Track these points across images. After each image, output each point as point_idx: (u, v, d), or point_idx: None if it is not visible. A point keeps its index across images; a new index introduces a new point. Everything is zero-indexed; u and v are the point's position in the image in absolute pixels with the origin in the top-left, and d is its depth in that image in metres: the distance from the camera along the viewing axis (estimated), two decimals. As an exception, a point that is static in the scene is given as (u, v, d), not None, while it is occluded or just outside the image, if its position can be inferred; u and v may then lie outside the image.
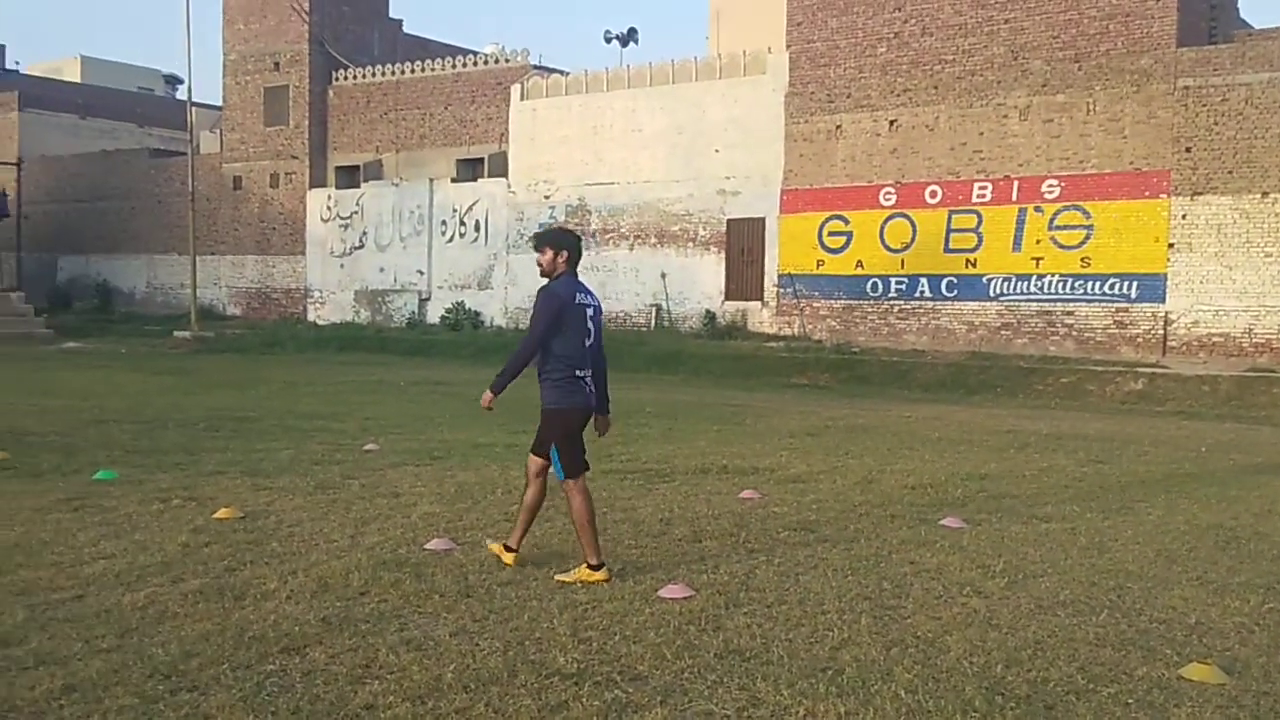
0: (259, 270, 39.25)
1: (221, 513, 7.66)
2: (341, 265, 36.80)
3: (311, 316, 37.11)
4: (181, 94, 54.78)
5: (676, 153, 29.78)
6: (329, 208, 37.07)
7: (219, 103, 41.18)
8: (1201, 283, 22.94)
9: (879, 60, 26.69)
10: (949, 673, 4.74)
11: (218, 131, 40.86)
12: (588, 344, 6.34)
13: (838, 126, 27.27)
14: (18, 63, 57.21)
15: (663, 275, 29.94)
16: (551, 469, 6.38)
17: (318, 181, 37.70)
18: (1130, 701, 4.47)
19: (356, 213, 36.34)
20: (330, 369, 23.69)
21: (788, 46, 28.03)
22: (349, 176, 37.26)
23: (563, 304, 6.29)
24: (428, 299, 34.83)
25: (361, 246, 36.31)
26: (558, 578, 6.12)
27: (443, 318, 33.58)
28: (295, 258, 38.07)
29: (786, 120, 27.97)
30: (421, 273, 34.96)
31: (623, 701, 4.31)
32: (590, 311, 6.39)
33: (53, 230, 45.40)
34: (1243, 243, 22.51)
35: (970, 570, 6.64)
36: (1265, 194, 22.22)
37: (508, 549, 6.47)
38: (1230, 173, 22.59)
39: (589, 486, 6.40)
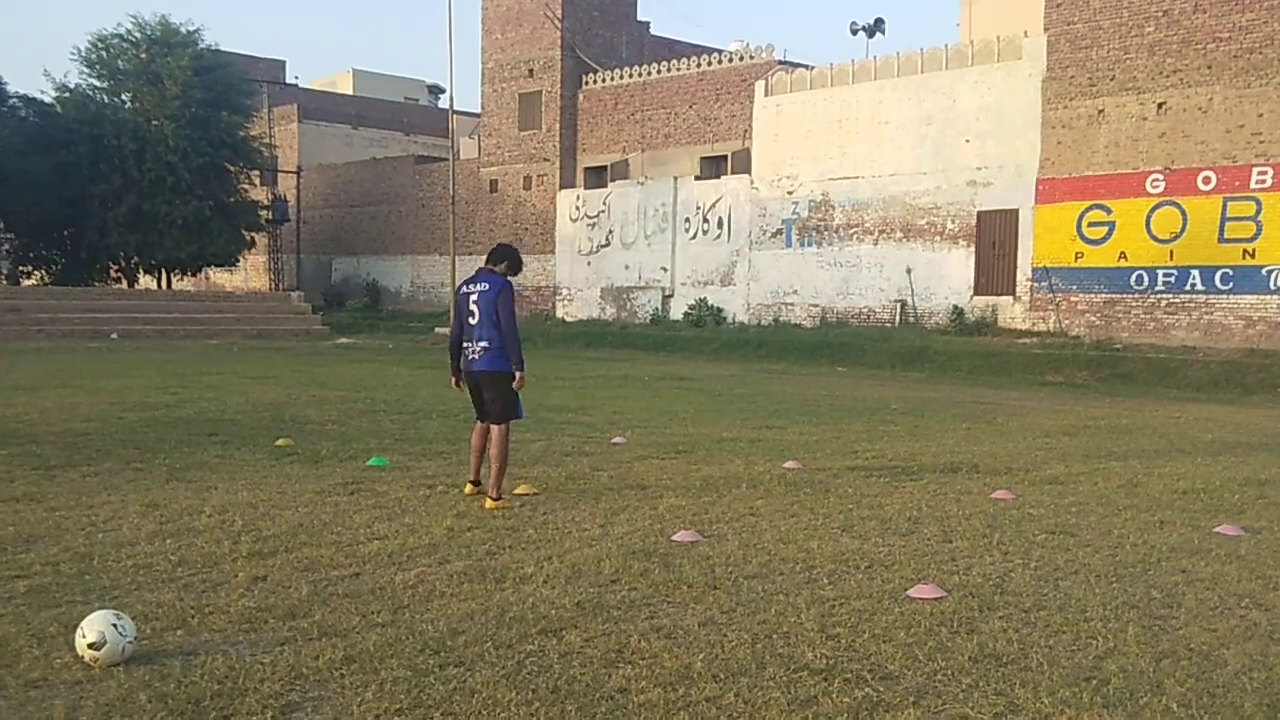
0: (513, 269, 40.85)
1: (521, 489, 8.54)
2: (588, 263, 37.85)
3: (560, 313, 38.36)
4: (444, 103, 58.03)
5: (924, 144, 29.04)
6: (577, 207, 38.20)
7: (478, 110, 43.17)
8: None
9: (1146, 40, 25.16)
10: (1225, 688, 4.44)
11: (476, 137, 42.88)
12: (472, 323, 8.06)
13: (1100, 111, 25.89)
14: (297, 77, 61.85)
15: (908, 270, 29.29)
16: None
17: (567, 182, 38.92)
18: None
19: (603, 212, 37.29)
20: (578, 364, 24.42)
21: (1045, 29, 26.84)
22: (596, 177, 38.29)
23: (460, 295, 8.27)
24: (671, 295, 35.37)
25: (608, 245, 37.23)
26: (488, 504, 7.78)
27: (685, 314, 34.02)
28: (545, 256, 39.44)
29: (1044, 106, 26.79)
30: (665, 270, 35.53)
31: (874, 700, 4.26)
32: (474, 297, 8.05)
33: (327, 233, 48.88)
34: None
35: (1249, 581, 6.18)
36: None
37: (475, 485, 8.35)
38: None
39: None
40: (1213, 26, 24.22)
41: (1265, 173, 23.47)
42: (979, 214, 28.10)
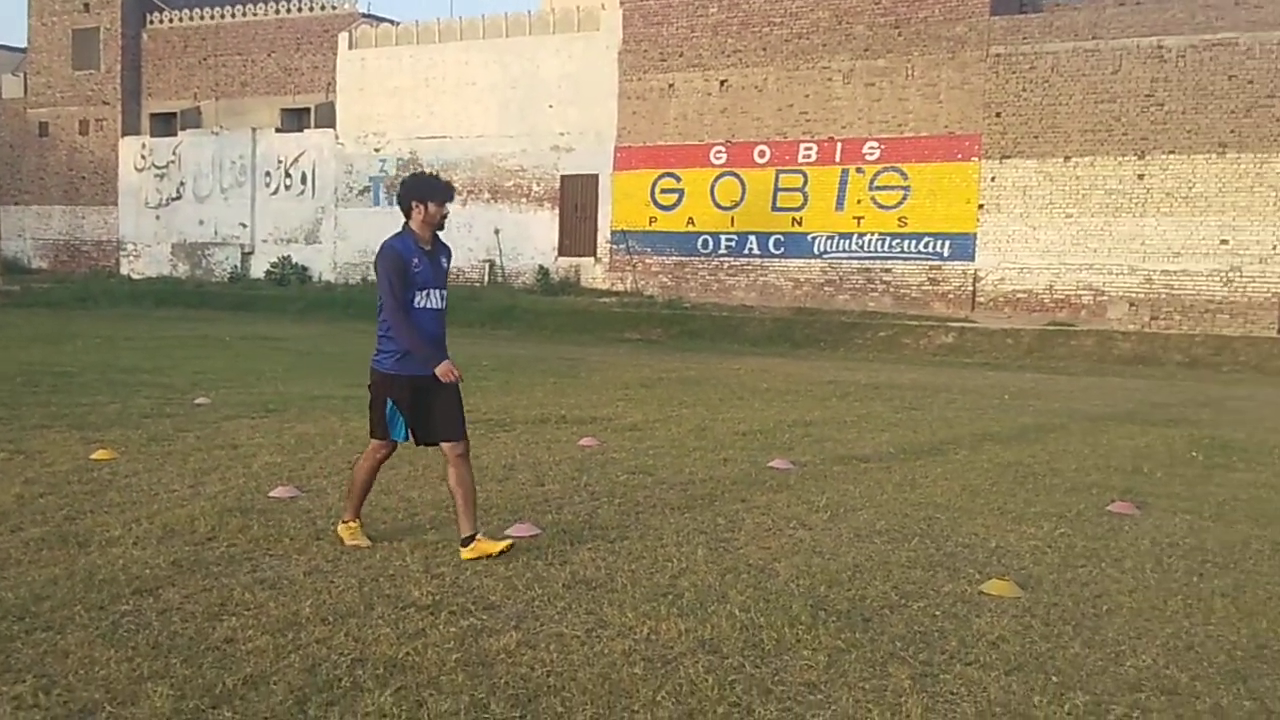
0: (67, 221, 37.38)
1: (99, 454, 7.90)
2: (157, 217, 35.35)
3: (125, 270, 35.58)
4: (-24, 32, 51.33)
5: (510, 107, 29.67)
6: (143, 156, 35.50)
7: (23, 44, 38.79)
8: (1008, 242, 24.35)
9: (710, 20, 27.15)
10: (778, 594, 5.14)
11: (21, 74, 38.50)
12: None
13: (671, 85, 27.66)
14: None
15: (496, 231, 29.89)
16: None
17: (131, 129, 36.05)
18: (937, 613, 4.96)
19: (173, 162, 34.92)
20: (149, 324, 22.88)
21: (621, 3, 28.21)
22: (165, 124, 35.76)
23: None
24: (251, 253, 33.84)
25: (179, 197, 34.95)
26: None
27: (268, 272, 32.71)
28: (107, 208, 36.38)
29: (620, 77, 28.21)
30: (244, 225, 33.92)
31: (478, 627, 4.55)
32: None
33: None
34: (1046, 204, 23.97)
35: (797, 506, 7.10)
36: (1067, 158, 23.70)
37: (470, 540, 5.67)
38: (1036, 137, 23.99)
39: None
40: (768, 11, 26.57)
41: (811, 148, 26.17)
42: (562, 178, 29.18)
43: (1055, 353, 21.07)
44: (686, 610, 4.84)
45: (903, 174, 25.23)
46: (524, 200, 29.71)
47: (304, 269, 32.47)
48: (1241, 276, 22.39)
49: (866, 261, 25.71)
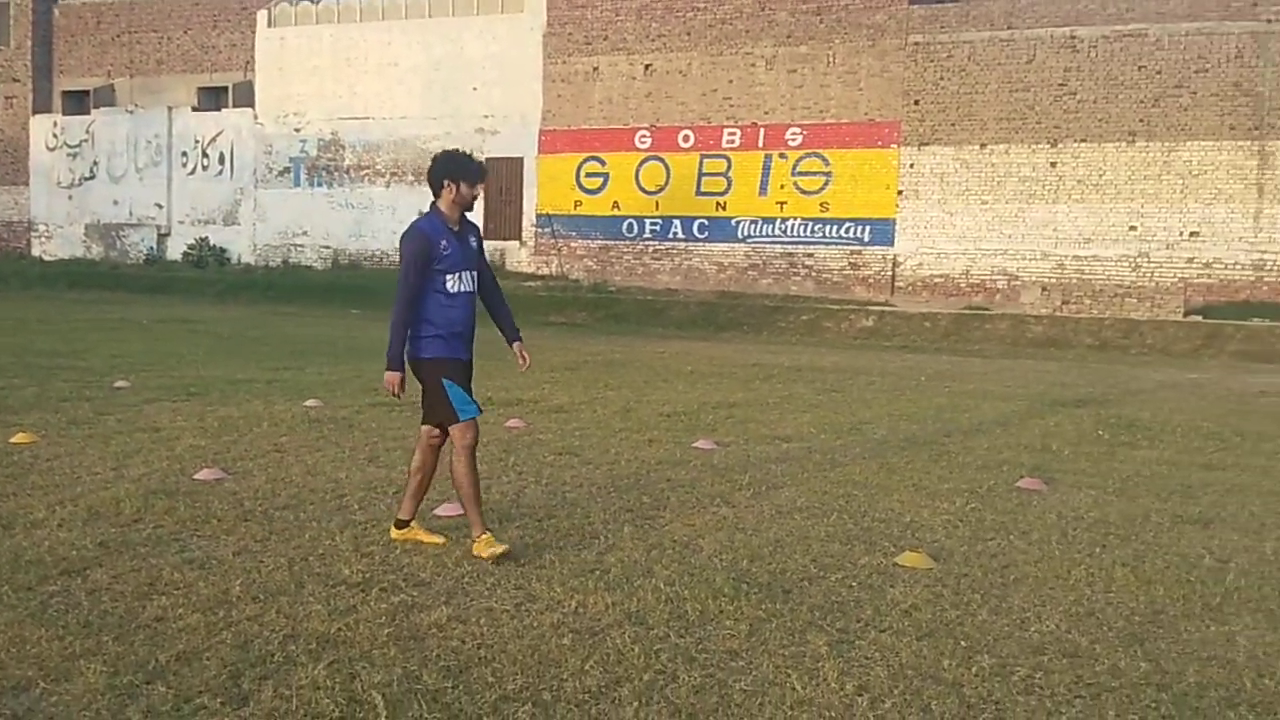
0: (-25, 201, 36.30)
1: (18, 437, 7.79)
2: (70, 197, 34.50)
3: (37, 252, 34.69)
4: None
5: (434, 89, 29.47)
6: (55, 135, 34.61)
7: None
8: (926, 228, 24.85)
9: (635, 3, 27.22)
10: (702, 568, 5.30)
11: (-78, 47, 37.25)
12: None
13: (595, 68, 27.69)
14: None
15: (420, 213, 29.62)
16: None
17: (42, 107, 35.09)
18: (854, 584, 5.15)
19: (86, 141, 34.11)
20: (63, 306, 22.40)
21: (545, -14, 28.15)
22: (78, 102, 34.87)
23: None
24: (168, 234, 33.20)
25: (92, 177, 34.14)
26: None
27: (185, 254, 32.13)
28: (17, 188, 35.40)
29: (545, 60, 28.16)
30: (160, 206, 33.25)
31: (409, 603, 4.63)
32: None
33: None
34: (962, 191, 24.49)
35: (720, 485, 7.27)
36: (983, 145, 24.23)
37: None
38: (953, 125, 24.48)
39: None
40: (691, -2, 26.73)
41: (734, 133, 26.40)
42: (487, 160, 29.00)
43: (971, 336, 21.58)
44: (613, 584, 4.97)
45: (824, 160, 25.59)
46: (448, 183, 29.48)
47: (222, 251, 31.94)
48: (1149, 262, 23.12)
49: (789, 246, 26.04)
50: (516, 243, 28.89)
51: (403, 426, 9.05)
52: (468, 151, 5.75)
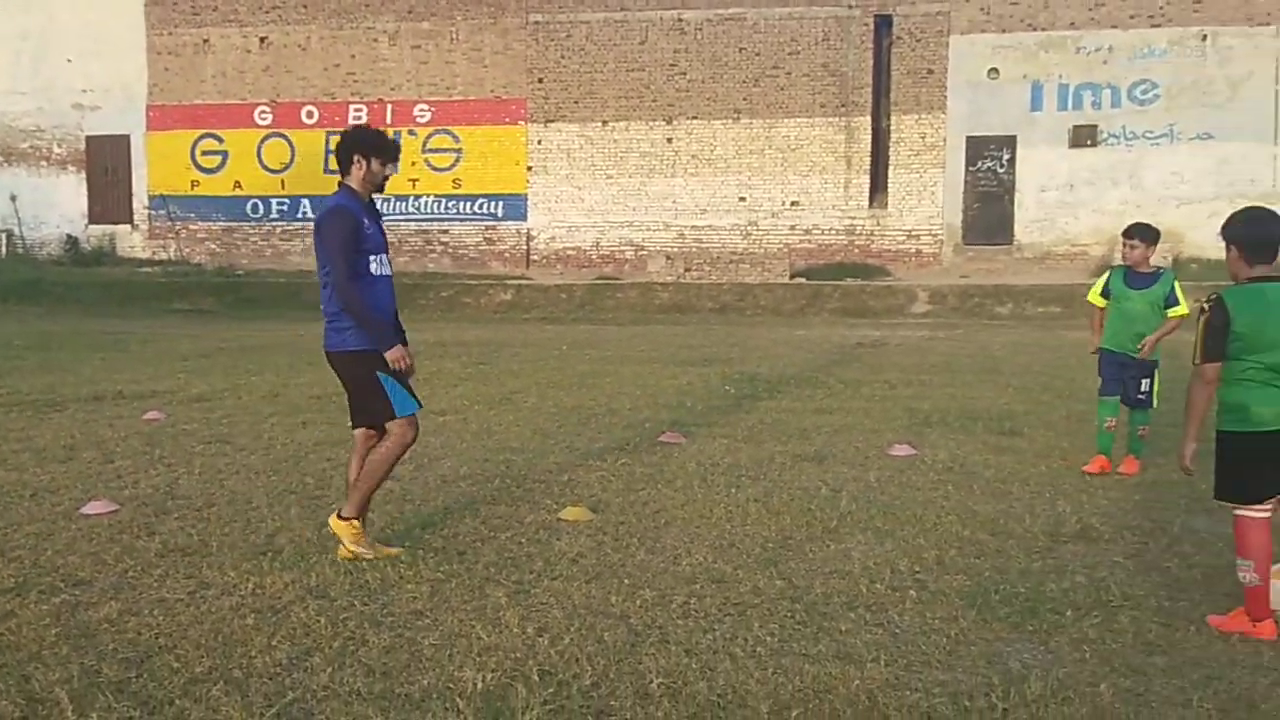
0: None
1: None
2: None
3: None
4: None
5: (22, 60, 26.86)
6: None
7: None
8: (556, 202, 25.64)
9: (246, -25, 26.07)
10: (377, 540, 5.41)
11: None
12: None
13: (205, 40, 26.31)
14: None
15: (13, 197, 27.04)
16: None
17: None
18: (523, 540, 5.48)
19: None
20: None
21: (144, -49, 26.35)
22: None
23: None
24: None
25: None
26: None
27: None
28: None
29: (148, 31, 26.38)
30: None
31: (73, 603, 4.46)
32: None
33: None
34: (589, 166, 25.47)
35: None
36: (605, 122, 25.28)
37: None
38: (576, 103, 25.36)
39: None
40: (307, -30, 25.93)
41: (360, 109, 25.96)
42: (88, 139, 26.91)
43: (604, 305, 22.58)
44: (289, 564, 5.01)
45: (455, 137, 25.75)
46: (44, 164, 27.09)
47: None
48: (758, 230, 25.10)
49: (424, 223, 26.04)
50: (128, 226, 27.01)
51: (26, 427, 8.43)
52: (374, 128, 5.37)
